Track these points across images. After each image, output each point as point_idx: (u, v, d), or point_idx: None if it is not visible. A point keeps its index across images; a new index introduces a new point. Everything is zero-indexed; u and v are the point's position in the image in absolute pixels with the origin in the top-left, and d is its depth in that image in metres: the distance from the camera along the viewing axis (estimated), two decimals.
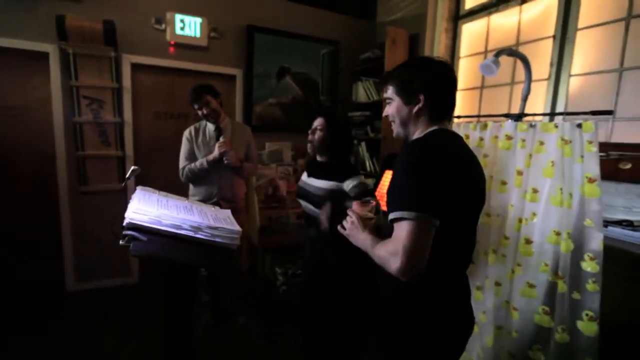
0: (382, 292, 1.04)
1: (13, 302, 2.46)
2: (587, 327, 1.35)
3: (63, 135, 2.52)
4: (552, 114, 1.50)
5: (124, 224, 0.99)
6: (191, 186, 2.24)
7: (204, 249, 1.04)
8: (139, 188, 1.40)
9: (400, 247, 0.78)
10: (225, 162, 2.06)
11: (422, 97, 0.93)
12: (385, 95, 1.01)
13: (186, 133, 2.19)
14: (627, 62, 1.85)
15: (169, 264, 1.07)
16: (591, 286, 1.34)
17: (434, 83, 0.93)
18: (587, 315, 1.35)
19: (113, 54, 2.50)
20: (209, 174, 2.11)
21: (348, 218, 1.01)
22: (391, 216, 0.82)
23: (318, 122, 1.64)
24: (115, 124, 2.63)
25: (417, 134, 0.97)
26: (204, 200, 2.10)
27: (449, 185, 0.83)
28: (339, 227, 1.04)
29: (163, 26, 2.62)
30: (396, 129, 1.01)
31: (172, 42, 2.67)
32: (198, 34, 2.71)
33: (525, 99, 1.58)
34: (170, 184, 2.19)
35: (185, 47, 2.73)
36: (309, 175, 1.70)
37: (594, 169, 1.31)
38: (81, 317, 2.36)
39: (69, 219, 2.61)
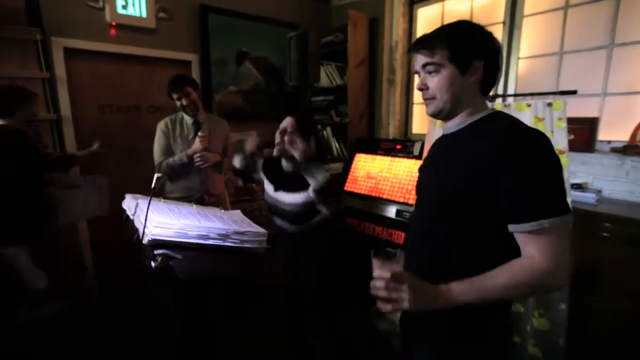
0: None
1: None
2: None
3: None
4: (521, 95, 1.67)
5: (145, 241, 0.86)
6: (167, 183, 2.07)
7: (236, 258, 0.97)
8: (128, 196, 1.23)
9: (561, 259, 0.67)
10: (200, 164, 1.93)
11: (480, 65, 0.75)
12: (430, 60, 0.77)
13: (161, 125, 2.02)
14: (566, 46, 2.12)
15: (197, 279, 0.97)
16: None
17: (491, 49, 0.77)
18: None
19: (39, 37, 2.07)
20: (189, 168, 1.98)
21: (394, 293, 0.68)
22: (546, 224, 0.66)
23: (288, 123, 1.36)
24: (51, 122, 2.22)
25: (467, 113, 0.78)
26: (186, 196, 1.99)
27: None
28: (383, 306, 0.70)
29: (100, 4, 2.24)
30: (439, 104, 0.78)
31: (113, 23, 2.30)
32: (144, 14, 2.37)
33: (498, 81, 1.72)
34: (124, 184, 1.94)
35: (130, 29, 2.38)
36: (275, 190, 1.47)
37: (563, 142, 1.51)
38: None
39: None
